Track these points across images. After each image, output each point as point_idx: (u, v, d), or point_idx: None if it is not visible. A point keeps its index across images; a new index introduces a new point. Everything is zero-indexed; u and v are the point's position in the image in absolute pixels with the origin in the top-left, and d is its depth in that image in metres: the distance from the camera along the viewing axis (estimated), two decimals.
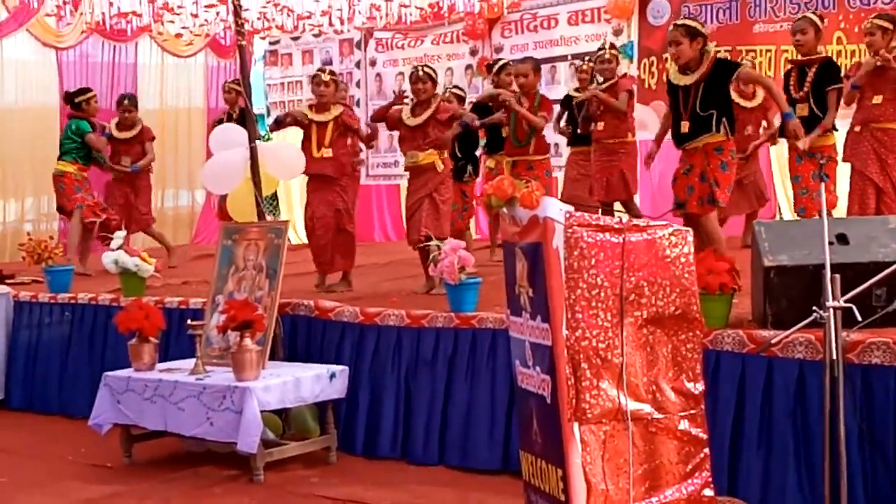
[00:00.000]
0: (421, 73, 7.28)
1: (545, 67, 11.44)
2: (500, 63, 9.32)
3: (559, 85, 11.43)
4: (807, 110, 7.15)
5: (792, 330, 4.44)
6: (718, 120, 6.16)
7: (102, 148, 9.91)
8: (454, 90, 9.79)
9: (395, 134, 10.29)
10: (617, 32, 11.08)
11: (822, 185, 4.50)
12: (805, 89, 7.17)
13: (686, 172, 6.31)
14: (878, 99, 7.23)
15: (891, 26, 7.20)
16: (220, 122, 9.41)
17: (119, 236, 7.75)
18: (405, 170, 7.62)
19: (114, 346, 7.15)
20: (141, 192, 10.26)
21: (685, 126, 6.28)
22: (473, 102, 9.60)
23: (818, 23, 7.26)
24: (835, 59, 8.62)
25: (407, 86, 7.63)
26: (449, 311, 5.98)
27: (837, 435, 4.22)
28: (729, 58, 9.92)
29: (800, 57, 7.38)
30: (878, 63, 7.11)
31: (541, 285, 3.71)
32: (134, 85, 13.10)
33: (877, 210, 7.22)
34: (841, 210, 7.83)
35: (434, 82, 7.38)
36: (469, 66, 12.48)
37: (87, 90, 10.27)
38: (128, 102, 10.09)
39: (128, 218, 10.01)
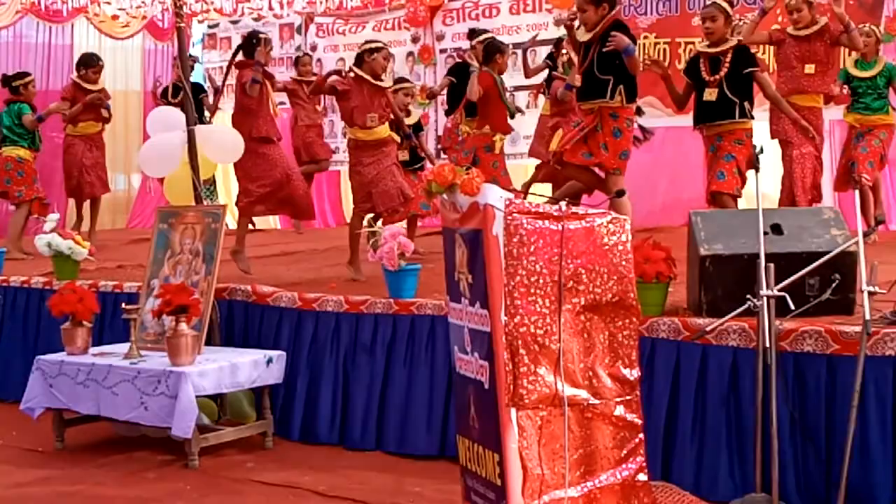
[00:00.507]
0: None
1: None
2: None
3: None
4: (716, 95, 6.92)
5: (726, 318, 4.51)
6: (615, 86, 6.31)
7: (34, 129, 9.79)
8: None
9: (334, 119, 10.25)
10: (559, 22, 11.10)
11: (757, 174, 4.56)
12: (720, 74, 6.97)
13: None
14: (809, 68, 7.37)
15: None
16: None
17: (52, 219, 7.64)
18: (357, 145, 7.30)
19: (47, 330, 7.04)
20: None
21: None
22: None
23: (728, 9, 7.14)
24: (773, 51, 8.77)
25: None
26: (388, 297, 5.98)
27: (770, 422, 4.30)
28: (667, 51, 10.09)
29: (708, 46, 7.09)
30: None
31: (480, 272, 3.72)
32: (70, 67, 12.88)
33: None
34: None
35: None
36: (410, 54, 12.45)
37: (26, 74, 10.21)
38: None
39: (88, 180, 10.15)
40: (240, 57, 7.78)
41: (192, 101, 6.61)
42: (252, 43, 7.59)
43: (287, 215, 8.86)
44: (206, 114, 9.97)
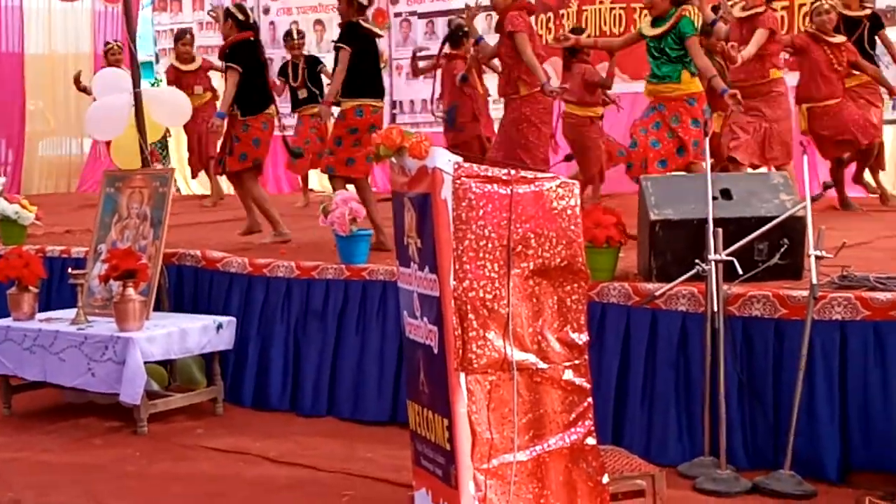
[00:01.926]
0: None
1: (441, 20, 11.43)
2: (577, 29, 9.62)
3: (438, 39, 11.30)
4: None
5: (675, 282, 4.53)
6: None
7: None
8: None
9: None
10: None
11: (707, 139, 4.57)
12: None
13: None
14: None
15: None
16: None
17: None
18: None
19: None
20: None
21: None
22: None
23: None
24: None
25: None
26: (340, 262, 5.94)
27: (718, 386, 4.33)
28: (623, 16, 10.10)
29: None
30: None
31: (429, 236, 3.69)
32: (20, 29, 12.66)
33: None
34: None
35: None
36: None
37: None
38: (189, 37, 10.43)
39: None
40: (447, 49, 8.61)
41: (137, 63, 6.51)
42: (458, 35, 7.63)
43: None
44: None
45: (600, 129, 9.34)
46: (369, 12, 11.76)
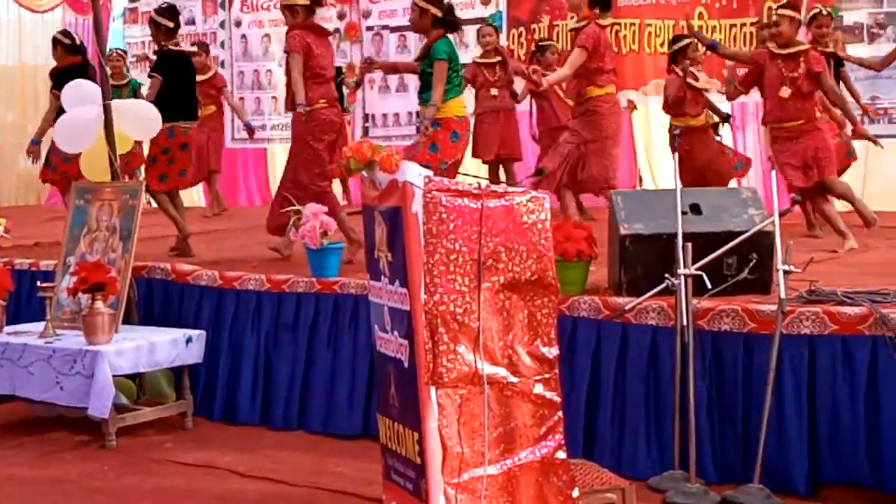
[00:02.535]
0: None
1: (413, 35, 11.46)
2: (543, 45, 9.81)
3: (410, 53, 11.37)
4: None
5: (645, 297, 4.56)
6: None
7: None
8: None
9: (261, 96, 10.19)
10: (485, 2, 11.10)
11: (676, 155, 4.60)
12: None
13: None
14: None
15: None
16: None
17: None
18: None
19: None
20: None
21: None
22: None
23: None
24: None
25: None
26: (310, 276, 5.92)
27: (688, 400, 4.35)
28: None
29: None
30: None
31: (399, 250, 3.69)
32: None
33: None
34: None
35: None
36: (337, 30, 12.33)
37: None
38: (197, 48, 10.33)
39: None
40: None
41: (106, 74, 6.48)
42: None
43: None
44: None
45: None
46: (342, 25, 11.90)
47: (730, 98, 8.18)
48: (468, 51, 10.68)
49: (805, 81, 6.89)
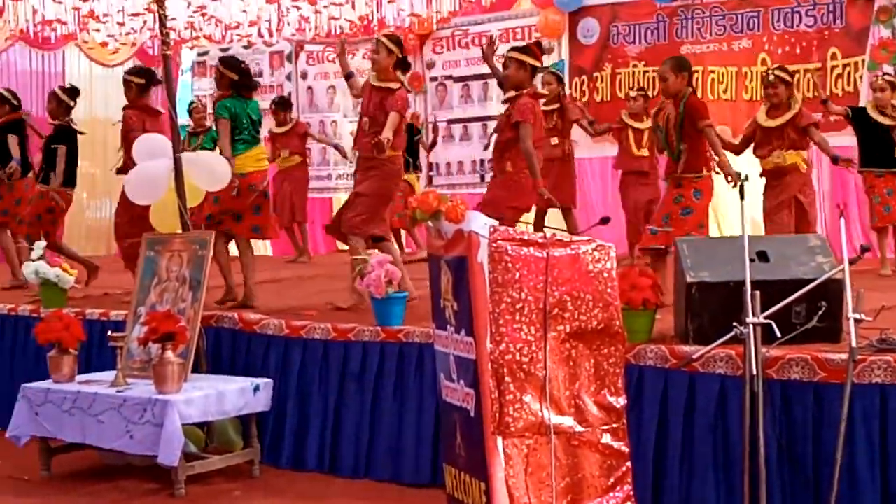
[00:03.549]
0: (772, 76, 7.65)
1: (477, 84, 11.57)
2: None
3: (491, 101, 11.48)
4: None
5: (713, 345, 4.51)
6: None
7: None
8: None
9: (326, 147, 10.37)
10: (548, 52, 11.17)
11: (743, 202, 4.57)
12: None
13: None
14: None
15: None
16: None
17: (39, 246, 7.62)
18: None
19: (33, 358, 7.00)
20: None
21: None
22: None
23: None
24: (760, 80, 8.87)
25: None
26: (375, 324, 5.96)
27: (757, 450, 4.28)
28: (656, 80, 10.19)
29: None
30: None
31: (465, 299, 3.71)
32: None
33: None
34: None
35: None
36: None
37: None
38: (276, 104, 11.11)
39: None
40: None
41: (177, 128, 6.62)
42: None
43: None
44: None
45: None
46: (406, 75, 12.03)
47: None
48: None
49: None
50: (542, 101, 9.62)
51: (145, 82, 7.89)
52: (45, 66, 13.12)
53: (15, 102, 9.55)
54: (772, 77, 7.73)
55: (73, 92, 9.03)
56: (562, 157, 9.49)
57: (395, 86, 6.87)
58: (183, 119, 10.08)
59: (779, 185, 7.70)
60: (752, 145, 7.90)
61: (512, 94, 6.78)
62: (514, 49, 6.96)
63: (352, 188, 7.28)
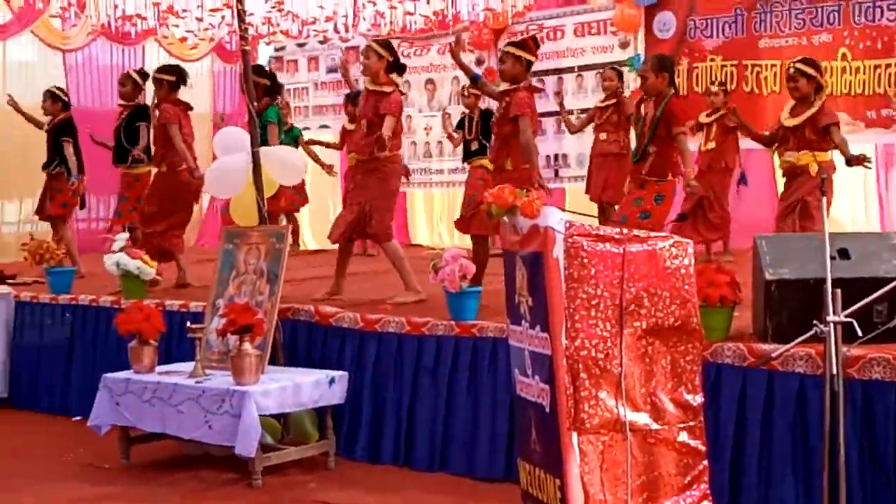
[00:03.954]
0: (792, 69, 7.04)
1: (551, 79, 11.52)
2: None
3: (567, 96, 11.43)
4: None
5: (792, 344, 4.44)
6: None
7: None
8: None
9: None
10: (623, 45, 11.10)
11: (824, 198, 4.49)
12: None
13: None
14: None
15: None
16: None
17: (121, 238, 7.75)
18: None
19: (114, 348, 7.14)
20: None
21: None
22: None
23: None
24: (840, 75, 8.68)
25: None
26: (449, 319, 5.98)
27: (837, 450, 4.21)
28: (734, 73, 10.06)
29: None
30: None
31: (540, 294, 3.71)
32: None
33: None
34: None
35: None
36: None
37: None
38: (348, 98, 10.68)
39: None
40: None
41: (255, 122, 6.69)
42: None
43: None
44: None
45: None
46: (480, 69, 12.03)
47: None
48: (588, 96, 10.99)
49: None
50: (602, 98, 9.72)
51: (176, 80, 8.31)
52: (125, 60, 13.29)
53: (66, 100, 9.75)
54: (792, 70, 7.10)
55: (145, 75, 9.23)
56: (617, 152, 9.47)
57: (388, 89, 6.96)
58: None
59: (790, 186, 7.05)
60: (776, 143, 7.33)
61: (507, 87, 6.77)
62: (510, 43, 7.00)
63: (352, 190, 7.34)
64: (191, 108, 8.46)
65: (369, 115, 7.00)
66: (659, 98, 6.56)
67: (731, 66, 10.20)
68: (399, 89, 7.08)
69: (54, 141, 9.56)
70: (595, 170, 9.77)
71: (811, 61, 7.12)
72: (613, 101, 9.66)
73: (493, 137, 7.02)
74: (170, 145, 8.17)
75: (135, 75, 9.23)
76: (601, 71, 10.38)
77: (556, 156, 11.51)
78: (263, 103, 8.04)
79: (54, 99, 9.65)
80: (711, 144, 9.51)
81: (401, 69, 7.20)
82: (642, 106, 6.81)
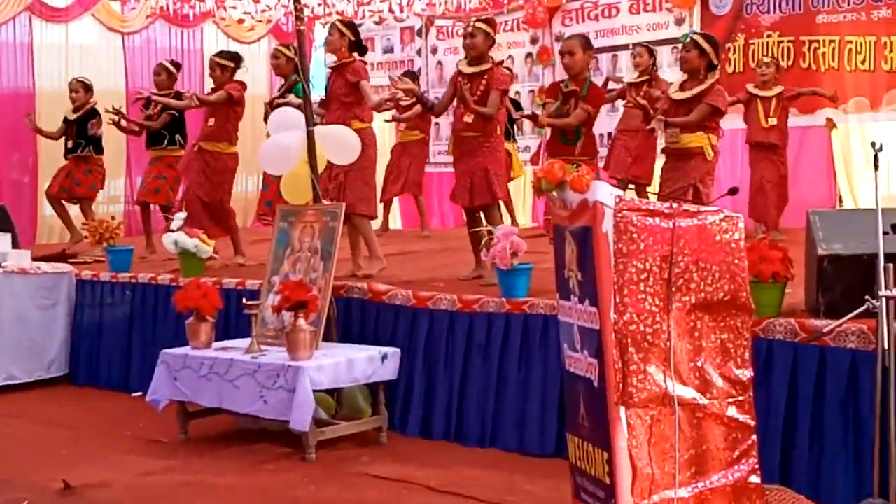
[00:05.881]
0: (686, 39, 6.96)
1: (605, 56, 11.46)
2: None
3: (620, 73, 11.38)
4: None
5: (844, 319, 4.42)
6: None
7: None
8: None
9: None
10: (679, 21, 11.02)
11: (877, 173, 4.45)
12: None
13: None
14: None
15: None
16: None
17: (179, 218, 7.87)
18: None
19: (172, 325, 7.27)
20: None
21: None
22: None
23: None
24: None
25: None
26: (500, 296, 6.01)
27: (888, 426, 4.19)
28: (791, 49, 9.95)
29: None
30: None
31: (589, 269, 3.72)
32: (201, 71, 13.22)
33: None
34: None
35: None
36: (529, 55, 12.48)
37: None
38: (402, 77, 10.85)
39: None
40: None
41: (310, 102, 6.76)
42: None
43: None
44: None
45: None
46: (534, 49, 11.99)
47: None
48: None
49: None
50: (637, 75, 9.69)
51: (235, 65, 8.65)
52: (184, 43, 13.46)
53: (91, 87, 10.25)
54: (688, 39, 6.83)
55: (178, 65, 9.96)
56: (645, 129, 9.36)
57: (349, 60, 7.25)
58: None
59: (677, 168, 6.57)
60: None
61: (482, 67, 6.86)
62: (479, 20, 7.06)
63: None
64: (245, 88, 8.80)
65: (335, 92, 7.29)
66: (580, 79, 6.74)
67: (788, 42, 10.09)
68: (503, 66, 7.35)
69: (80, 127, 10.01)
70: (620, 146, 9.80)
71: (710, 37, 6.89)
72: (646, 77, 9.68)
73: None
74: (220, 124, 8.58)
75: (169, 66, 9.70)
76: (633, 50, 10.30)
77: (602, 135, 11.45)
78: (292, 81, 8.22)
79: (86, 89, 10.12)
80: (773, 120, 9.38)
81: (362, 50, 7.45)
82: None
